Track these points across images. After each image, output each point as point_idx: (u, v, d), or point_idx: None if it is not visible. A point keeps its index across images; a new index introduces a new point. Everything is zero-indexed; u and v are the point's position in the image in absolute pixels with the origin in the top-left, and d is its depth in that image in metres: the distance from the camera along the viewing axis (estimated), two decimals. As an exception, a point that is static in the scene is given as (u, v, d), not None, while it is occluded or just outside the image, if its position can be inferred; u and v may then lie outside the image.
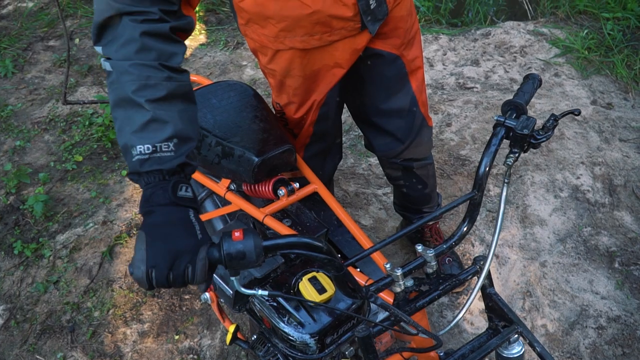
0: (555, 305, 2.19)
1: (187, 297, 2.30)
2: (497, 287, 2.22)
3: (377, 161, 2.38)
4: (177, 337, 2.18)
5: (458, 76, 3.42)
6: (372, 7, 1.49)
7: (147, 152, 1.00)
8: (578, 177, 2.69)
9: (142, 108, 1.02)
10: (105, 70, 1.07)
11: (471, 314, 2.17)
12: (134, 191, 2.78)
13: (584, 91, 3.23)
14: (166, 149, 1.01)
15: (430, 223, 2.24)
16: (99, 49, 1.09)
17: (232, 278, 0.96)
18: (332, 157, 2.05)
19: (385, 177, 2.13)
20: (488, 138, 2.88)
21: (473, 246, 2.43)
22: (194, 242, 0.92)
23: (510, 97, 3.22)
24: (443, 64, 3.55)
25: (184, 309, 2.26)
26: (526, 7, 4.09)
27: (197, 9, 4.16)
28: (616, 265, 2.32)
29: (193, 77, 2.21)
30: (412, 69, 1.71)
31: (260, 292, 1.00)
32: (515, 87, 3.32)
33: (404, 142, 1.85)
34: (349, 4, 1.45)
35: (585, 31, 3.60)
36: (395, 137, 1.84)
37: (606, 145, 2.86)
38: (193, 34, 3.99)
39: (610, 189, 2.64)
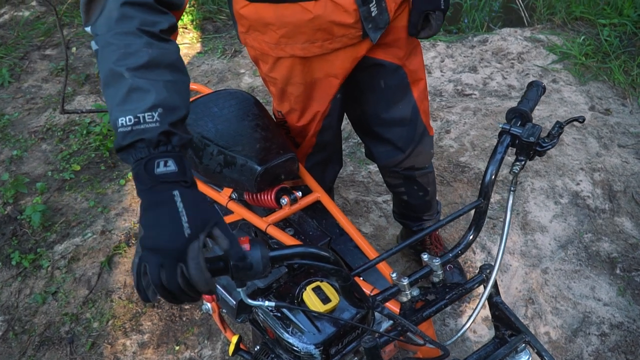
0: (557, 313, 2.18)
1: (187, 307, 2.28)
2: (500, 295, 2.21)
3: (377, 168, 2.37)
4: (177, 347, 2.16)
5: (456, 83, 3.43)
6: (373, 14, 1.48)
7: (129, 124, 0.92)
8: (578, 183, 2.69)
9: (123, 78, 0.95)
10: (93, 50, 1.02)
11: (474, 322, 2.16)
12: (133, 200, 2.77)
13: (582, 97, 3.24)
14: (150, 120, 0.92)
15: (431, 231, 2.23)
16: (88, 28, 1.05)
17: (239, 289, 0.95)
18: (333, 165, 2.04)
19: (385, 185, 2.13)
20: (487, 145, 2.91)
21: (474, 253, 2.42)
22: (182, 240, 0.83)
23: (508, 103, 3.24)
24: (441, 71, 3.55)
25: (184, 319, 2.24)
26: (522, 14, 4.11)
27: (193, 17, 4.17)
28: (617, 271, 2.32)
29: (193, 86, 2.20)
30: (414, 79, 1.71)
31: (267, 303, 0.99)
32: (514, 93, 3.32)
33: (405, 152, 1.84)
34: (350, 10, 1.44)
35: (582, 37, 3.62)
36: (396, 147, 1.83)
37: (605, 151, 2.86)
38: (190, 42, 3.99)
39: (610, 194, 2.64)
